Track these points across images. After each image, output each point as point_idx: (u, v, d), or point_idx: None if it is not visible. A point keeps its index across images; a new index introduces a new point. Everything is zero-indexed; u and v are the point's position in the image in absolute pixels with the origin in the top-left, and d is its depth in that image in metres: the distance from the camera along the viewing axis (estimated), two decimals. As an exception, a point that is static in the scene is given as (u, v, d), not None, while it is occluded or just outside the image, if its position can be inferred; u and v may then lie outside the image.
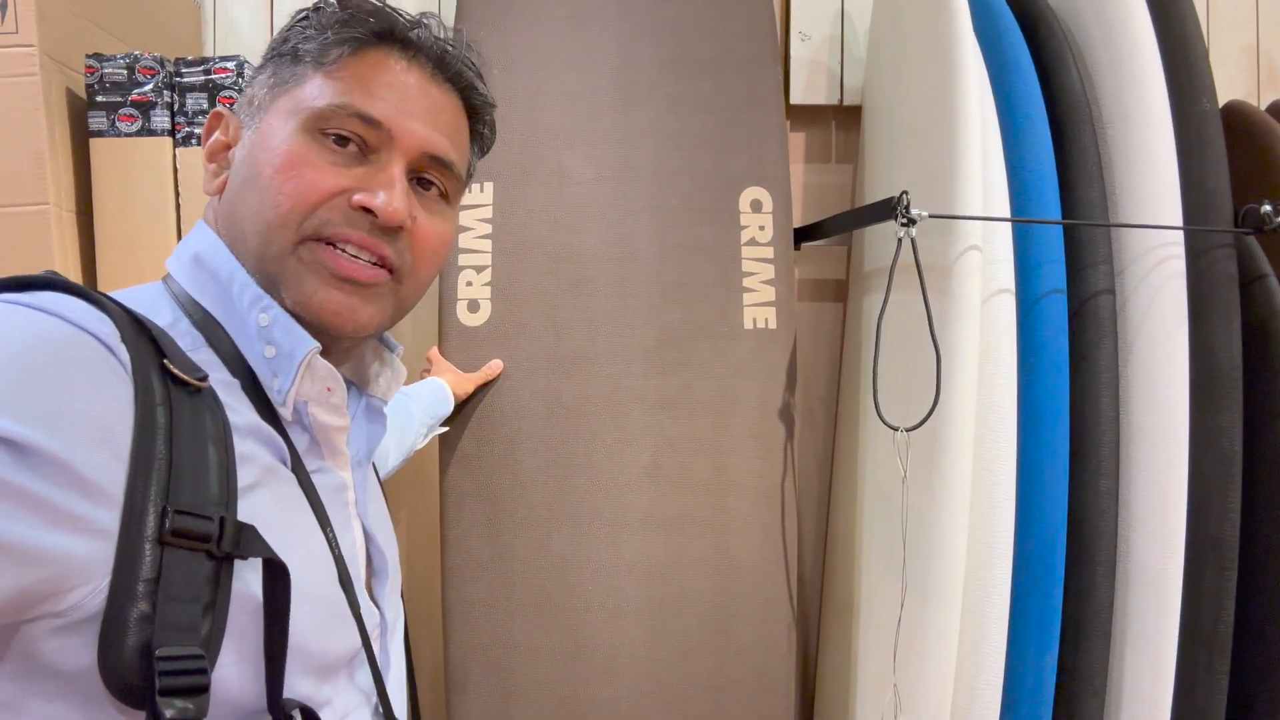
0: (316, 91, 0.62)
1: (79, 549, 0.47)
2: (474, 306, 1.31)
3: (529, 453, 1.29)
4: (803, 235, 1.47)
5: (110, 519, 0.48)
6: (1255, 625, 1.22)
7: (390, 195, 0.61)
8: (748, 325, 1.33)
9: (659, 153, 1.34)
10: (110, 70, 1.13)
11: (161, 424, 0.51)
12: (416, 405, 1.17)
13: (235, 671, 0.52)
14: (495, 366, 1.29)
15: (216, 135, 0.67)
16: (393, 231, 0.63)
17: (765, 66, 1.38)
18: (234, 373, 0.60)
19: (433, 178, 0.66)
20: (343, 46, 0.63)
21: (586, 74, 1.34)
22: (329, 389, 0.64)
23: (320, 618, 0.59)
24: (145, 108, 1.13)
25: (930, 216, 1.14)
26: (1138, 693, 1.19)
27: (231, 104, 1.16)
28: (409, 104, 0.64)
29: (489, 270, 1.31)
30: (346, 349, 0.69)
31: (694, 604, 1.29)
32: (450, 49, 0.67)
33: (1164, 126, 1.22)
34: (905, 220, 1.13)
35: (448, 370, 1.27)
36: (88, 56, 1.13)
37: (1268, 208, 1.19)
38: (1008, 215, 1.23)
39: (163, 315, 0.60)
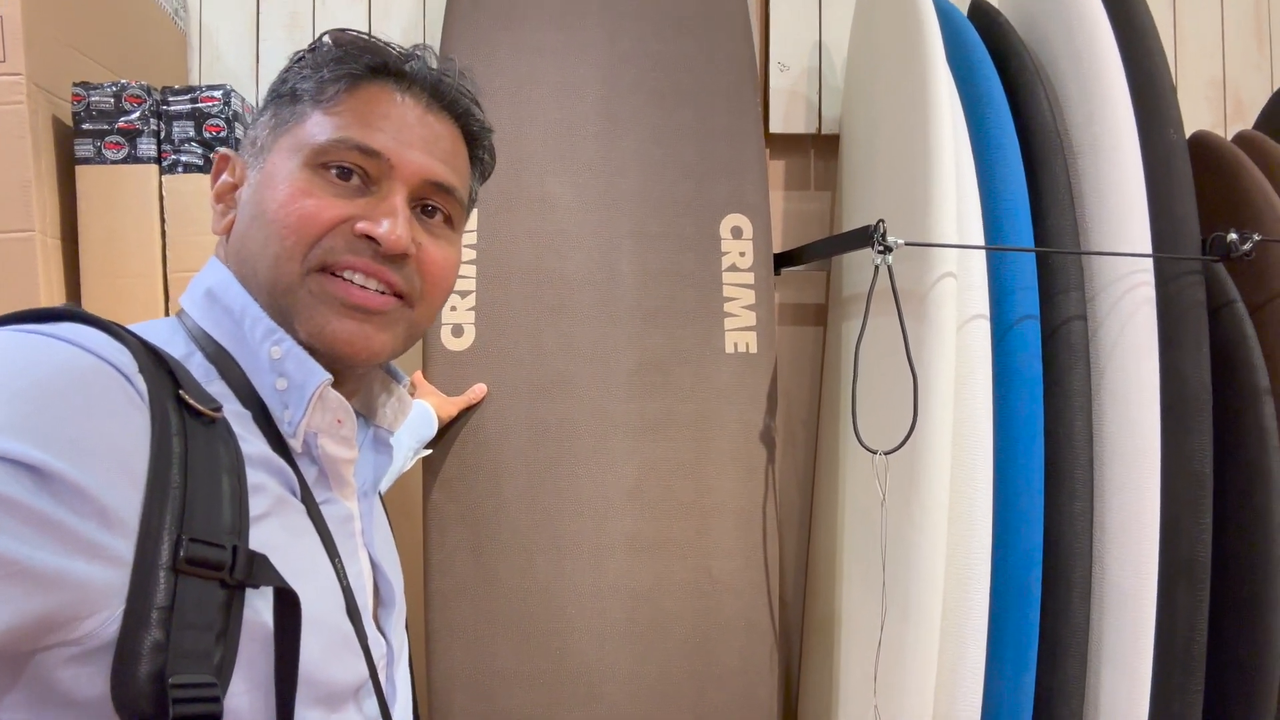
0: (316, 128, 0.64)
1: (96, 576, 0.47)
2: (458, 331, 1.32)
3: (512, 476, 1.29)
4: (782, 261, 1.50)
5: (126, 547, 0.49)
6: (1227, 643, 1.24)
7: (393, 223, 0.63)
8: (729, 349, 1.35)
9: (642, 180, 1.36)
10: (97, 98, 1.14)
11: (177, 453, 0.52)
12: (402, 429, 1.18)
13: (246, 700, 0.53)
14: (479, 391, 1.30)
15: (224, 177, 0.69)
16: (397, 259, 0.64)
17: (745, 97, 1.41)
18: (245, 404, 0.61)
19: (435, 204, 0.68)
20: (339, 83, 0.65)
21: (571, 103, 1.36)
22: (339, 420, 0.65)
23: (328, 647, 0.59)
24: (132, 135, 1.14)
25: (906, 244, 1.17)
26: (1114, 711, 1.20)
27: (215, 130, 1.17)
28: (407, 134, 0.66)
29: (473, 295, 1.32)
30: (358, 379, 0.70)
31: (677, 627, 1.29)
32: (445, 78, 0.69)
33: (1133, 156, 1.26)
34: (882, 248, 1.16)
35: (431, 393, 1.28)
36: (75, 84, 1.14)
37: (1234, 235, 1.22)
38: (982, 242, 1.26)
39: (177, 348, 0.61)
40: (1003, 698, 1.22)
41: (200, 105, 1.15)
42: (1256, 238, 1.22)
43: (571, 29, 1.38)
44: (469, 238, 1.33)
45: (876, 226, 1.16)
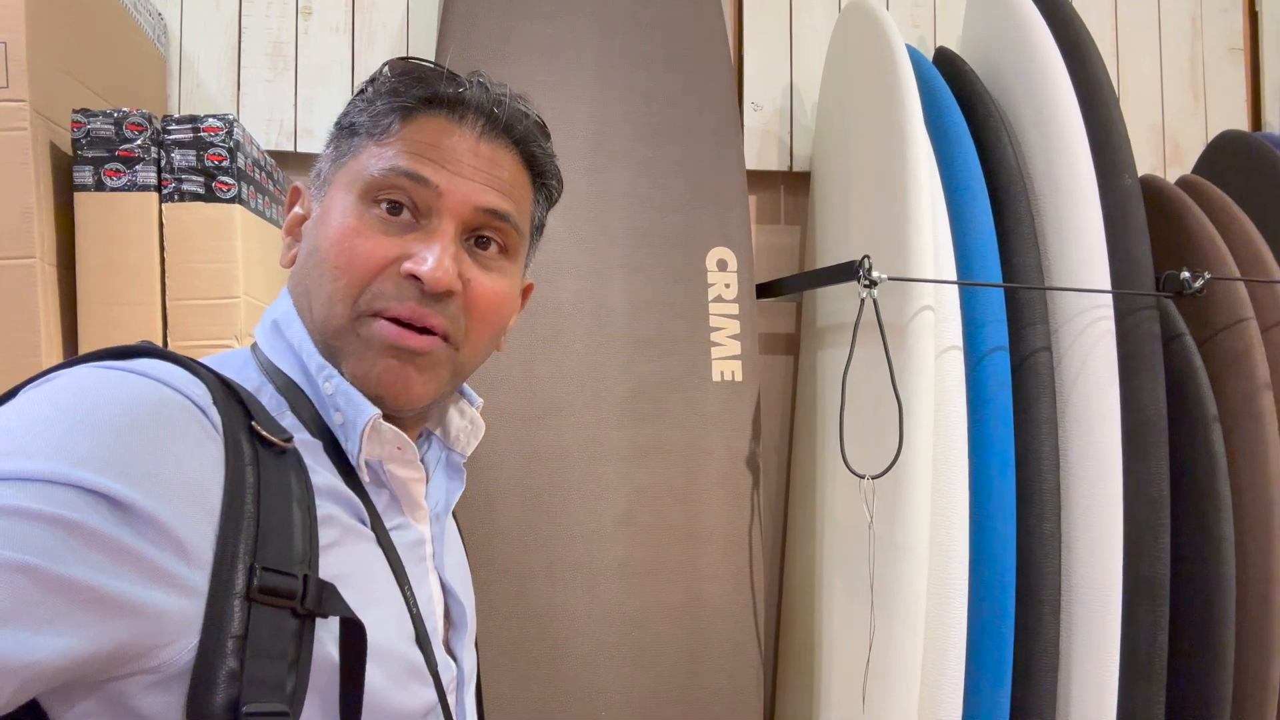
0: (369, 160, 0.65)
1: (173, 606, 0.48)
2: (451, 360, 1.33)
3: (505, 503, 1.31)
4: (761, 292, 1.55)
5: (201, 578, 0.50)
6: (1185, 657, 1.32)
7: (437, 259, 0.62)
8: (715, 378, 1.39)
9: (632, 214, 1.40)
10: (97, 125, 1.13)
11: (250, 483, 0.53)
12: None
13: None
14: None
15: (295, 210, 0.71)
16: (442, 297, 0.64)
17: (729, 135, 1.46)
18: (315, 435, 0.63)
19: (490, 235, 0.68)
20: (392, 115, 0.66)
21: (562, 138, 1.38)
22: (399, 448, 0.66)
23: (395, 675, 0.60)
24: (132, 163, 1.14)
25: (890, 279, 1.23)
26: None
27: (217, 160, 1.17)
28: (459, 163, 0.66)
29: (466, 325, 1.34)
30: (420, 411, 0.70)
31: (668, 650, 1.32)
32: (500, 104, 0.68)
33: (1092, 200, 1.34)
34: (868, 282, 1.22)
35: None
36: (75, 111, 1.13)
37: (1186, 274, 1.31)
38: (955, 278, 1.33)
39: (249, 381, 0.63)
40: (981, 710, 1.27)
41: (203, 134, 1.16)
42: (1207, 275, 1.31)
43: (562, 66, 1.42)
44: (461, 268, 1.35)
45: (862, 262, 1.22)
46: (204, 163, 1.16)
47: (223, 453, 0.53)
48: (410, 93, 0.67)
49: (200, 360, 0.60)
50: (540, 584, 1.30)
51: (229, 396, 0.57)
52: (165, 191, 1.15)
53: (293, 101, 1.63)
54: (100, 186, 1.13)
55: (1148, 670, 1.29)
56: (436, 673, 0.64)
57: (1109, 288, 1.32)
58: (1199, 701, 1.31)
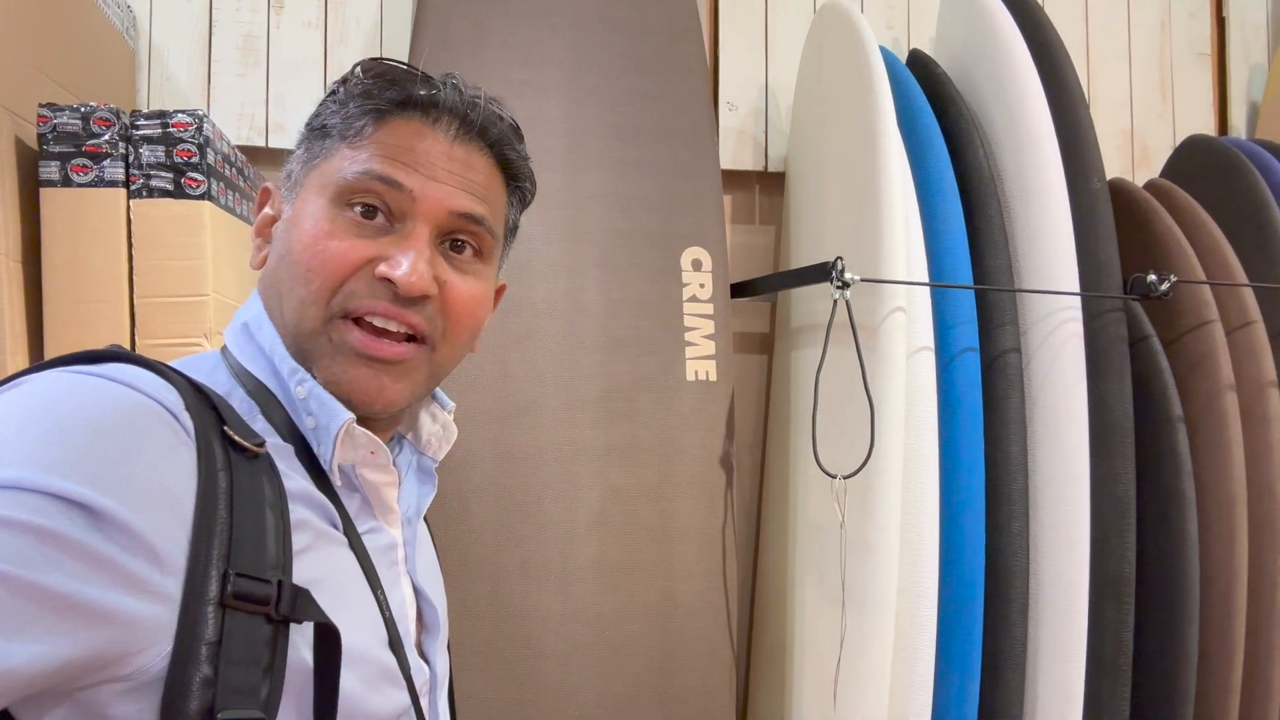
0: (342, 163, 0.65)
1: (147, 612, 0.48)
2: (424, 359, 1.33)
3: (479, 503, 1.31)
4: (735, 291, 1.56)
5: (175, 584, 0.50)
6: (1150, 654, 1.34)
7: (412, 264, 0.62)
8: (690, 377, 1.40)
9: (607, 214, 1.40)
10: (64, 120, 1.11)
11: (223, 489, 0.53)
12: None
13: None
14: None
15: (265, 210, 0.70)
16: (417, 300, 0.63)
17: (704, 136, 1.47)
18: (287, 439, 0.62)
19: (465, 238, 0.67)
20: (365, 117, 0.65)
21: (537, 138, 1.39)
22: (372, 452, 0.65)
23: (369, 680, 0.60)
24: (99, 159, 1.12)
25: (863, 280, 1.24)
26: (1050, 717, 1.28)
27: (186, 155, 1.16)
28: (432, 166, 0.65)
29: (439, 324, 1.33)
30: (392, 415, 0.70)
31: (641, 649, 1.33)
32: (475, 106, 0.67)
33: (1061, 204, 1.36)
34: (840, 283, 1.22)
35: None
36: (41, 106, 1.11)
37: (1153, 277, 1.33)
38: (927, 280, 1.35)
39: (220, 384, 0.62)
40: (950, 707, 1.29)
41: (172, 130, 1.14)
42: (1173, 279, 1.33)
43: (537, 65, 1.42)
44: (435, 266, 1.35)
45: (835, 263, 1.23)
46: (173, 159, 1.14)
47: (195, 458, 0.53)
48: (384, 95, 0.66)
49: (171, 364, 0.59)
50: (514, 583, 1.30)
51: (201, 401, 0.56)
52: (133, 188, 1.14)
53: (264, 96, 1.61)
54: (67, 182, 1.12)
55: (1113, 668, 1.31)
56: (410, 676, 0.64)
57: (1077, 290, 1.34)
58: (1163, 698, 1.33)
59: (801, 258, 1.57)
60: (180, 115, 1.15)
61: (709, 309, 1.42)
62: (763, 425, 1.73)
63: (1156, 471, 1.38)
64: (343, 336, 0.63)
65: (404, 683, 0.64)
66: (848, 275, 1.22)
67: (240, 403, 0.62)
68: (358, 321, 0.63)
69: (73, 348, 1.12)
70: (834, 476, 1.23)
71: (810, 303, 1.50)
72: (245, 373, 0.64)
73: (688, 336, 1.40)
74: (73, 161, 1.12)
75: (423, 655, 0.71)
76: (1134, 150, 1.87)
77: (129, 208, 1.14)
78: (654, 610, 1.33)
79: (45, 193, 1.11)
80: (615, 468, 1.35)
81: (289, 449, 0.62)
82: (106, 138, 1.12)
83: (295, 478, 0.61)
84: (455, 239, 0.67)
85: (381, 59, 0.68)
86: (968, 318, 1.36)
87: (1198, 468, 1.38)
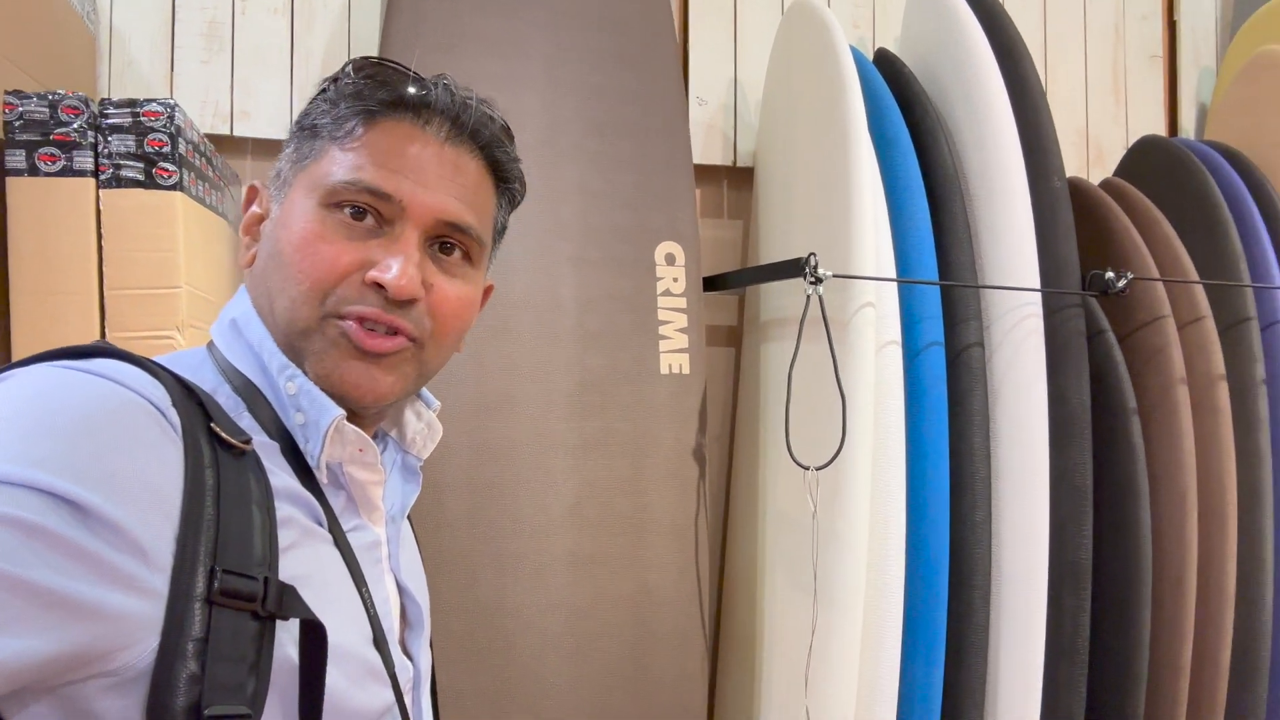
0: (332, 167, 0.65)
1: (133, 608, 0.49)
2: (398, 352, 1.32)
3: (454, 495, 1.31)
4: (707, 285, 1.57)
5: (161, 580, 0.50)
6: (1105, 637, 1.39)
7: (402, 268, 0.63)
8: (664, 371, 1.41)
9: (582, 208, 1.41)
10: (31, 108, 1.09)
11: (210, 485, 0.53)
12: None
13: None
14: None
15: (252, 209, 0.70)
16: (406, 304, 0.64)
17: (677, 131, 1.48)
18: (273, 436, 0.63)
19: (454, 241, 0.68)
20: (355, 118, 0.65)
21: (514, 132, 1.39)
22: (360, 450, 0.66)
23: (354, 677, 0.61)
24: (68, 147, 1.10)
25: (835, 276, 1.26)
26: (1011, 700, 1.33)
27: (157, 145, 1.14)
28: (422, 173, 0.65)
29: (413, 317, 1.33)
30: (380, 411, 0.71)
31: (615, 640, 1.34)
32: (466, 109, 0.68)
33: (1023, 201, 1.40)
34: (814, 279, 1.25)
35: None
36: (7, 93, 1.09)
37: (1111, 274, 1.38)
38: (894, 275, 1.38)
39: (206, 381, 0.62)
40: (915, 691, 1.32)
41: (143, 119, 1.12)
42: (1130, 276, 1.38)
43: (511, 59, 1.42)
44: (409, 259, 1.34)
45: (808, 259, 1.25)
46: (144, 148, 1.13)
47: (182, 455, 0.53)
48: (375, 96, 0.66)
49: (157, 359, 0.60)
50: (489, 576, 1.30)
51: (187, 398, 0.56)
52: (103, 178, 1.12)
53: (229, 84, 1.58)
54: (34, 171, 1.09)
55: (1071, 652, 1.35)
56: (394, 673, 0.65)
57: (1038, 286, 1.38)
58: (1116, 680, 1.38)
59: (770, 253, 1.60)
60: (152, 104, 1.13)
61: (682, 303, 1.44)
62: (731, 417, 1.75)
63: (1112, 462, 1.43)
64: (336, 332, 0.64)
65: (389, 679, 0.65)
66: (821, 271, 1.25)
67: (227, 399, 0.62)
68: (343, 319, 0.64)
69: (41, 340, 1.11)
70: (806, 468, 1.26)
71: (780, 297, 1.53)
72: (232, 369, 0.65)
73: (661, 330, 1.42)
74: (40, 150, 1.09)
75: (406, 652, 0.72)
76: (1089, 149, 1.93)
77: (98, 198, 1.12)
78: (628, 602, 1.35)
79: (12, 182, 1.09)
80: (590, 461, 1.36)
81: (275, 446, 0.62)
82: (75, 126, 1.10)
83: (281, 475, 0.61)
84: (444, 241, 0.68)
85: (374, 58, 0.69)
86: (933, 313, 1.39)
87: (1150, 458, 1.43)
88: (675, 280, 1.44)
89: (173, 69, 1.57)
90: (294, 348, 0.64)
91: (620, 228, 1.41)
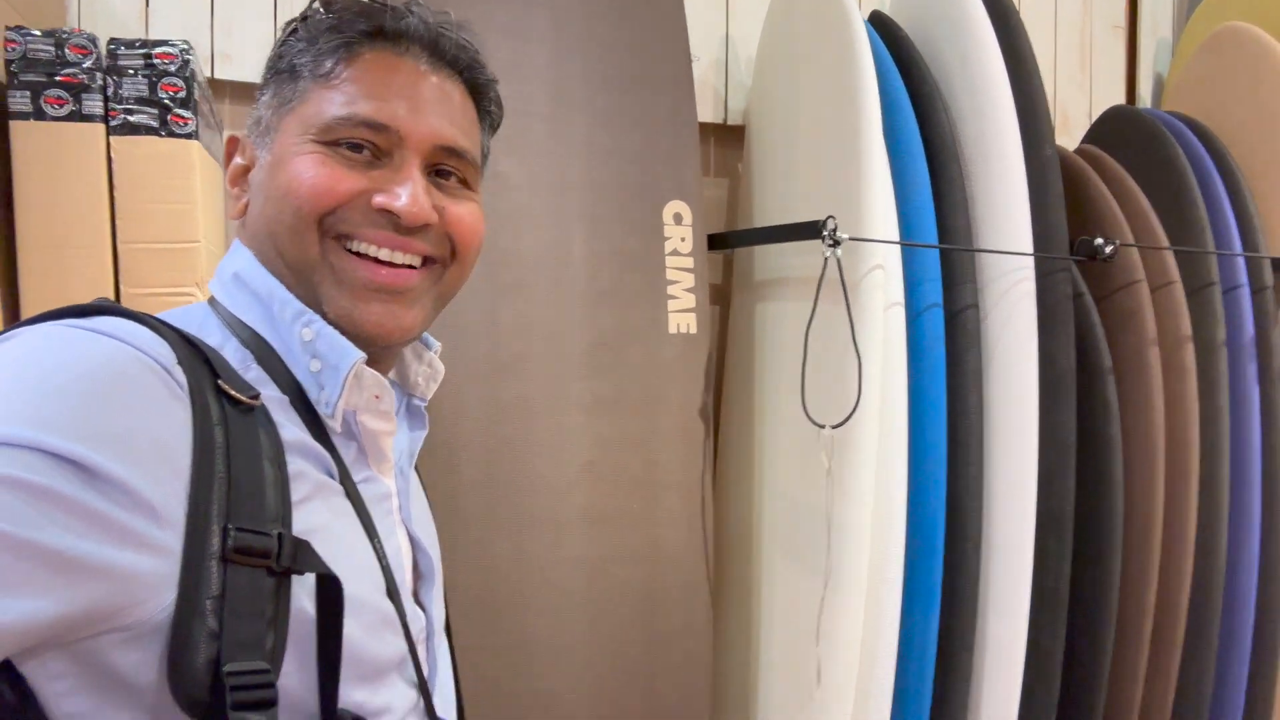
0: (320, 105, 0.64)
1: (144, 565, 0.49)
2: (410, 309, 1.30)
3: (470, 455, 1.30)
4: (712, 244, 1.58)
5: (173, 538, 0.50)
6: (1079, 582, 1.49)
7: (412, 194, 0.63)
8: (672, 330, 1.42)
9: (591, 165, 1.39)
10: (36, 46, 1.02)
11: (220, 443, 0.53)
12: None
13: (296, 680, 0.55)
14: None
15: (236, 160, 0.68)
16: (420, 229, 0.65)
17: (683, 86, 1.47)
18: (283, 389, 0.62)
19: (450, 168, 0.68)
20: (336, 54, 0.65)
21: (521, 85, 1.36)
22: (377, 396, 0.66)
23: (369, 627, 0.61)
24: (77, 90, 1.03)
25: (853, 239, 1.29)
26: (999, 643, 1.41)
27: (173, 90, 1.08)
28: (412, 100, 0.65)
29: (425, 273, 1.31)
30: (393, 352, 0.71)
31: (627, 594, 1.37)
32: (444, 33, 0.68)
33: (1018, 169, 1.44)
34: (833, 242, 1.27)
35: None
36: (8, 29, 1.01)
37: (1099, 241, 1.44)
38: (897, 237, 1.41)
39: (212, 336, 0.62)
40: (913, 640, 1.39)
41: (156, 62, 1.06)
42: (1117, 243, 1.45)
43: (517, 10, 1.38)
44: (419, 214, 1.31)
45: (826, 222, 1.28)
46: (157, 93, 1.07)
47: (190, 413, 0.53)
48: (353, 28, 0.65)
49: (160, 315, 0.59)
50: (505, 534, 1.31)
51: (193, 355, 0.56)
52: (113, 124, 1.06)
53: (209, 23, 1.50)
54: (40, 115, 1.03)
55: (1053, 599, 1.44)
56: (406, 623, 0.66)
57: (1030, 251, 1.44)
58: (1089, 620, 1.48)
59: (769, 212, 1.61)
60: (165, 46, 1.07)
61: (689, 262, 1.44)
62: (718, 374, 1.77)
63: (1089, 419, 1.51)
64: (345, 265, 0.63)
65: (402, 629, 0.65)
66: (839, 234, 1.27)
67: (234, 353, 0.62)
68: (358, 255, 0.64)
69: (51, 297, 1.05)
70: (822, 427, 1.29)
71: (780, 257, 1.55)
72: (238, 322, 0.64)
73: (669, 290, 1.43)
74: (46, 93, 1.02)
75: (419, 603, 0.72)
76: (1056, 117, 1.99)
77: (109, 145, 1.06)
78: (640, 557, 1.37)
79: (16, 126, 1.02)
80: (603, 419, 1.37)
81: (284, 400, 0.62)
82: (85, 66, 1.03)
83: (291, 428, 0.61)
84: (441, 168, 0.68)
85: None
86: (933, 275, 1.44)
87: (1123, 415, 1.52)
88: (683, 240, 1.44)
89: (148, 6, 1.47)
90: (308, 285, 0.64)
91: (629, 185, 1.41)
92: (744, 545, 1.59)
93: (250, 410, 0.56)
